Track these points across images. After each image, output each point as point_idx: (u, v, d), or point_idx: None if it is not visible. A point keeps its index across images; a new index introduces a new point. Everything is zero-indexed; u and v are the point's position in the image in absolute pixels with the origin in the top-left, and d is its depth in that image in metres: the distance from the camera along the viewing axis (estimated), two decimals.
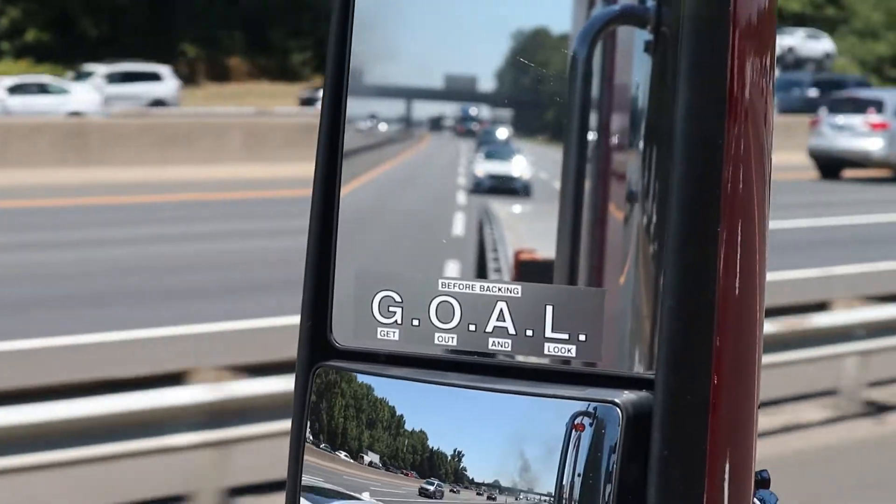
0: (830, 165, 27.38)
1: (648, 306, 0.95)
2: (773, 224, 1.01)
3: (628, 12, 0.97)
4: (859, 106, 27.47)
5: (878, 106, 27.04)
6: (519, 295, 0.99)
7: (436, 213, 1.07)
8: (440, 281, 1.01)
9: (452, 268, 1.04)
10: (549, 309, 0.97)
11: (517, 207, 1.06)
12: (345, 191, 1.04)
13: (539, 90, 1.01)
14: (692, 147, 0.91)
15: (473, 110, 1.07)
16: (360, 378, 1.01)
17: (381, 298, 1.02)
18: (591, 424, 0.92)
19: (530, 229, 1.05)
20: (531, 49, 1.00)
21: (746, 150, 0.94)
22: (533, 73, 1.01)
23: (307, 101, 40.05)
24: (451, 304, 1.00)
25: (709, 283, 0.91)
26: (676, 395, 0.91)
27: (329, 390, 1.01)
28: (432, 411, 0.98)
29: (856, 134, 26.83)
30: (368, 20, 1.04)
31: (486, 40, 1.02)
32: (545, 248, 1.01)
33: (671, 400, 0.91)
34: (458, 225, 1.06)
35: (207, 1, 47.63)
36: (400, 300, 1.01)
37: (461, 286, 1.00)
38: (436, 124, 1.09)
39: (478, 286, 1.00)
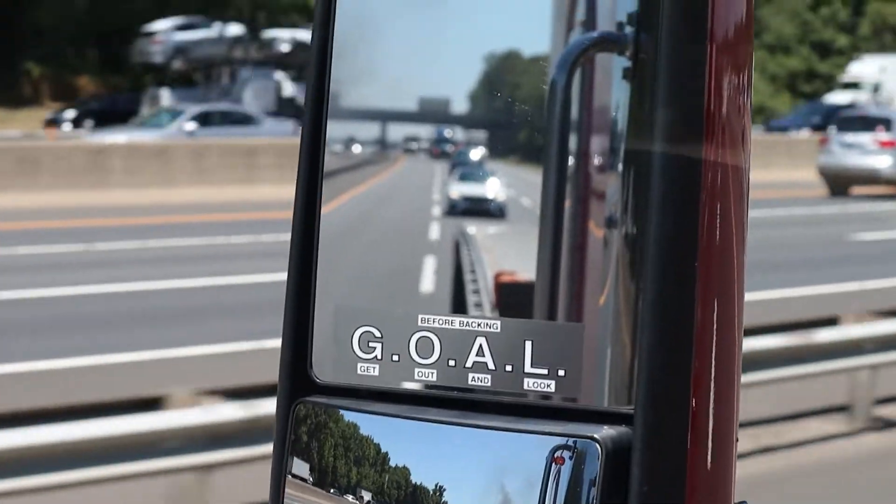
0: (839, 182, 27.44)
1: (628, 339, 0.95)
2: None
3: (606, 39, 0.97)
4: (868, 124, 27.65)
5: (887, 124, 27.21)
6: (498, 330, 0.98)
7: (410, 236, 1.07)
8: (420, 316, 1.01)
9: (428, 285, 1.04)
10: (529, 344, 0.97)
11: (493, 229, 1.06)
12: (324, 217, 1.04)
13: (512, 112, 1.01)
14: (670, 169, 0.92)
15: (448, 132, 1.08)
16: (342, 414, 1.00)
17: (361, 334, 1.02)
18: (570, 458, 0.92)
19: (508, 250, 1.05)
20: (505, 71, 1.01)
21: (724, 170, 0.94)
22: (506, 95, 1.01)
23: (52, 122, 37.82)
24: (431, 340, 1.00)
25: (686, 317, 0.91)
26: (655, 430, 0.91)
27: (310, 426, 1.01)
28: (414, 447, 0.98)
29: (865, 152, 26.98)
30: (345, 43, 1.04)
31: (461, 63, 1.02)
32: (524, 269, 1.01)
33: (650, 435, 0.91)
34: (434, 243, 1.06)
35: (58, 17, 45.27)
36: (380, 335, 1.01)
37: (441, 322, 1.00)
38: (410, 146, 1.10)
39: (457, 321, 1.00)
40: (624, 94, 0.96)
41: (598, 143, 0.98)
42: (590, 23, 0.99)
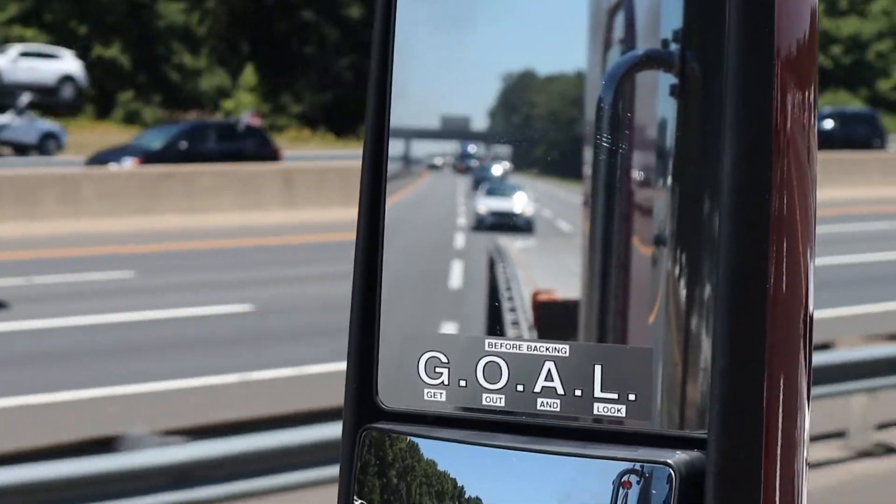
0: None
1: (694, 362, 0.95)
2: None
3: (652, 56, 0.97)
4: None
5: None
6: (567, 355, 0.98)
7: (437, 250, 1.06)
8: (487, 341, 1.00)
9: (462, 304, 1.04)
10: (598, 368, 0.97)
11: (520, 243, 1.07)
12: (387, 242, 1.04)
13: (542, 129, 1.02)
14: (738, 191, 0.91)
15: (472, 148, 1.08)
16: (408, 440, 1.00)
17: (428, 359, 1.01)
18: (638, 483, 0.92)
19: (540, 267, 1.05)
20: (536, 90, 1.02)
21: (791, 190, 0.94)
22: (538, 113, 1.01)
23: None
24: (499, 365, 1.00)
25: (758, 341, 0.91)
26: (729, 455, 0.91)
27: (377, 452, 1.01)
28: (481, 473, 0.97)
29: None
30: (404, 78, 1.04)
31: (495, 82, 1.03)
32: (559, 286, 1.01)
33: (724, 460, 0.91)
34: (460, 248, 1.06)
35: None
36: (446, 361, 1.01)
37: (508, 346, 1.00)
38: (434, 162, 1.10)
39: (525, 346, 0.99)
40: (670, 111, 0.96)
41: (643, 159, 0.98)
42: (629, 41, 0.99)
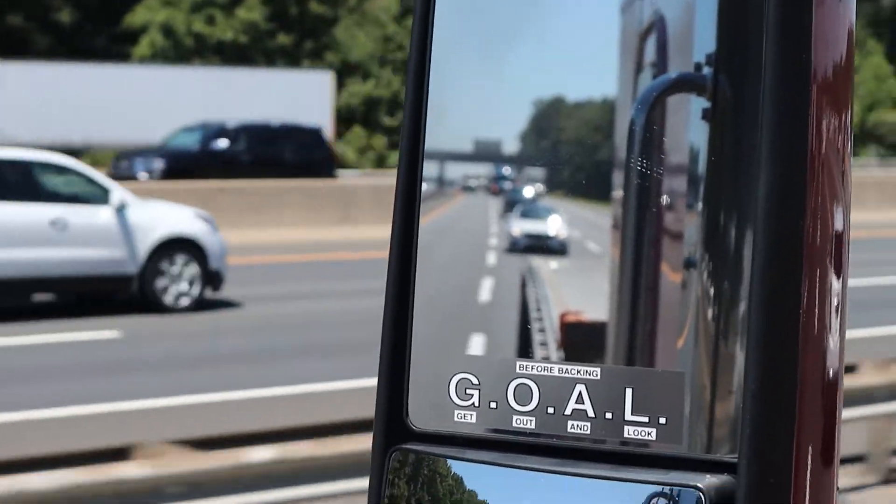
0: None
1: (724, 386, 0.95)
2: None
3: (685, 80, 0.97)
4: None
5: None
6: (598, 377, 0.98)
7: (468, 272, 1.06)
8: (518, 363, 1.00)
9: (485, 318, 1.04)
10: (629, 391, 0.97)
11: (554, 264, 1.07)
12: (419, 265, 1.04)
13: (575, 152, 1.02)
14: (773, 218, 0.91)
15: (507, 170, 1.08)
16: (439, 461, 1.00)
17: (459, 381, 1.01)
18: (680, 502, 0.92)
19: (571, 288, 1.05)
20: (567, 114, 1.02)
21: (825, 215, 0.93)
22: (570, 136, 1.02)
23: None
24: (529, 387, 1.00)
25: (792, 366, 0.91)
26: (760, 480, 0.91)
27: (407, 473, 1.01)
28: (512, 495, 0.97)
29: None
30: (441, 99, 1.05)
31: (527, 106, 1.03)
32: (588, 307, 1.01)
33: (755, 485, 0.91)
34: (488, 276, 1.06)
35: None
36: (477, 382, 1.01)
37: (539, 368, 1.00)
38: (469, 184, 1.10)
39: (556, 368, 0.99)
40: (702, 135, 0.96)
41: (673, 183, 0.98)
42: (661, 64, 0.99)
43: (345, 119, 42.87)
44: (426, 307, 1.04)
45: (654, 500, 0.92)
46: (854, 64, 0.98)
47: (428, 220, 1.06)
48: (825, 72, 0.93)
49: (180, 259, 14.28)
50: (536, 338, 1.03)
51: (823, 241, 0.93)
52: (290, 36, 45.34)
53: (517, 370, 1.00)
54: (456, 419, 1.01)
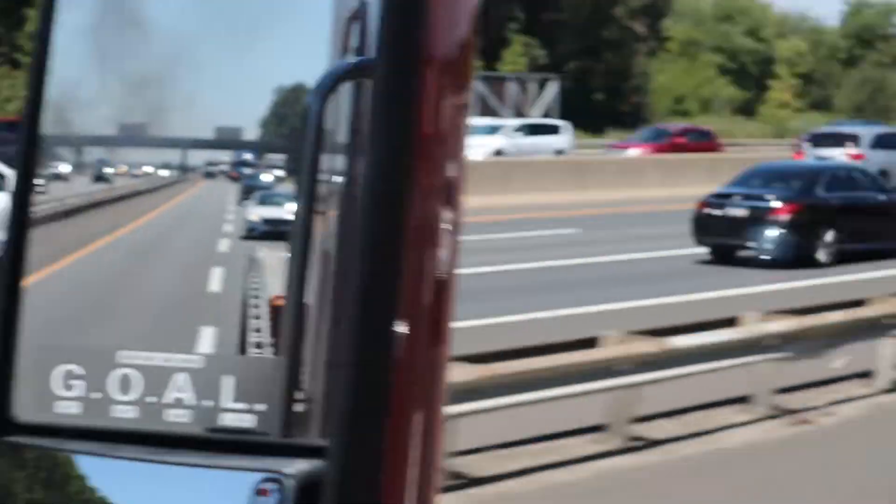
0: None
1: (322, 372, 0.96)
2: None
3: (364, 66, 0.96)
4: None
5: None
6: (201, 366, 0.98)
7: (196, 261, 1.04)
8: (119, 353, 0.99)
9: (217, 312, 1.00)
10: (231, 380, 0.97)
11: (279, 251, 1.04)
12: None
13: (295, 137, 1.01)
14: (378, 192, 0.88)
15: (248, 156, 1.07)
16: (39, 453, 0.98)
17: (62, 372, 1.00)
18: (275, 492, 0.93)
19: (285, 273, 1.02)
20: (293, 101, 1.02)
21: (430, 197, 0.90)
22: (292, 123, 1.02)
23: None
24: (131, 377, 0.99)
25: (385, 347, 0.88)
26: (347, 463, 0.88)
27: (12, 464, 0.98)
28: (113, 486, 0.97)
29: None
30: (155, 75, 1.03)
31: (258, 95, 1.03)
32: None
33: (342, 469, 0.88)
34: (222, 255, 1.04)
35: None
36: (82, 373, 0.99)
37: (143, 358, 0.99)
38: (210, 170, 1.08)
39: (160, 358, 0.99)
40: (366, 121, 0.93)
41: (331, 166, 0.99)
42: (361, 49, 1.00)
43: None
44: (39, 298, 1.01)
45: (258, 485, 0.93)
46: (475, 45, 0.94)
47: (166, 208, 1.04)
48: (443, 52, 0.90)
49: None
50: (252, 324, 1.04)
51: (429, 221, 0.90)
52: None
53: (119, 360, 0.99)
54: (60, 410, 1.00)
